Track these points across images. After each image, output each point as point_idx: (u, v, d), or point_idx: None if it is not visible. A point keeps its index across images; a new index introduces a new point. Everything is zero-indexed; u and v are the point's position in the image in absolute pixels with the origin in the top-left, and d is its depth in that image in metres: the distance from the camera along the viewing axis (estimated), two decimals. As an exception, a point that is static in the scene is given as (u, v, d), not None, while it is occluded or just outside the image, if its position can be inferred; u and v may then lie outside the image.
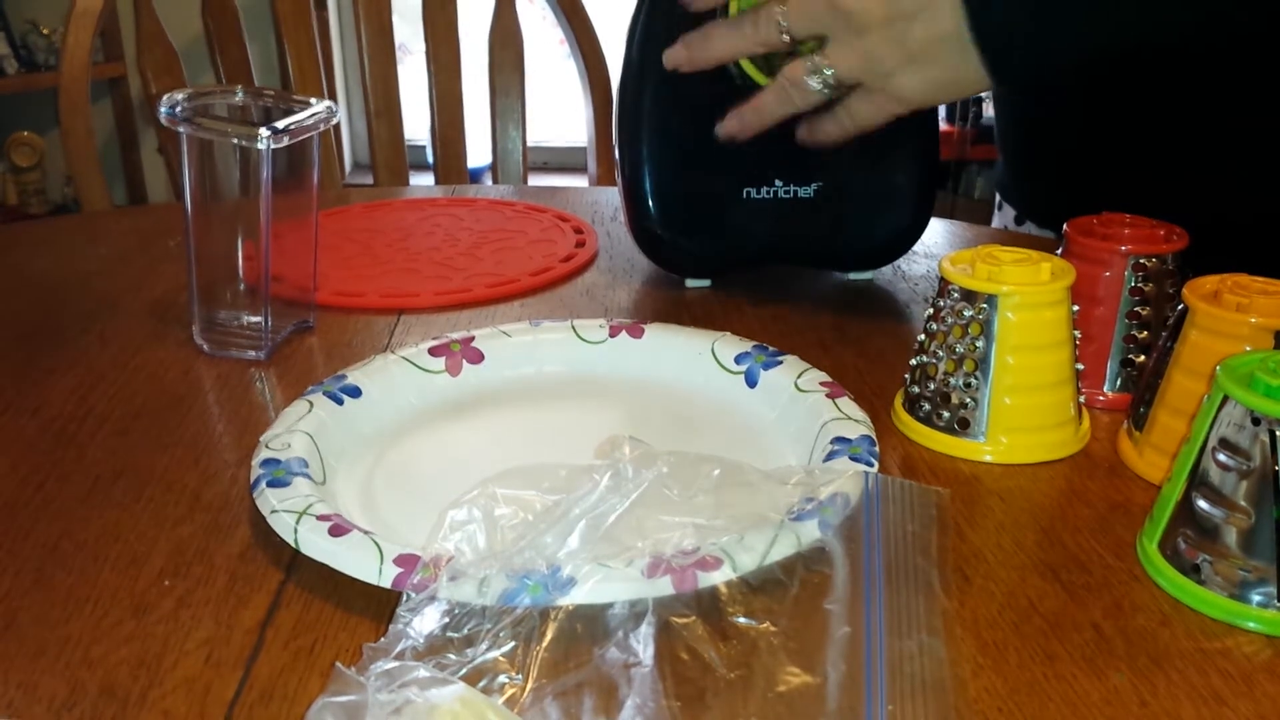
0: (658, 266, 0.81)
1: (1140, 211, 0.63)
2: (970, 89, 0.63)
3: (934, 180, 0.78)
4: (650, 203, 0.76)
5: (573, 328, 0.65)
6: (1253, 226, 0.77)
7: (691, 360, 0.63)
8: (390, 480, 0.53)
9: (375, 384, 0.59)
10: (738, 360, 0.62)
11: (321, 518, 0.45)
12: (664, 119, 0.75)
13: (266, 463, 0.50)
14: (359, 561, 0.43)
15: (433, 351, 0.62)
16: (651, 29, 0.74)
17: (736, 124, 0.68)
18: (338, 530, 0.44)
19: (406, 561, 0.42)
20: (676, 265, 0.80)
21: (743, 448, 0.55)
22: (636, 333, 0.65)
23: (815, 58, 0.63)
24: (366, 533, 0.44)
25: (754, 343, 0.63)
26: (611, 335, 0.65)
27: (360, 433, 0.56)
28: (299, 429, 0.53)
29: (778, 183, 0.75)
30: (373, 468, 0.54)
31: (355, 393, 0.57)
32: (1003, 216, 1.00)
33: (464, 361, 0.62)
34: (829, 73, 0.63)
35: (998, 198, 1.01)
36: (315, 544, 0.44)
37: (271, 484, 0.48)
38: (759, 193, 0.76)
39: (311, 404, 0.55)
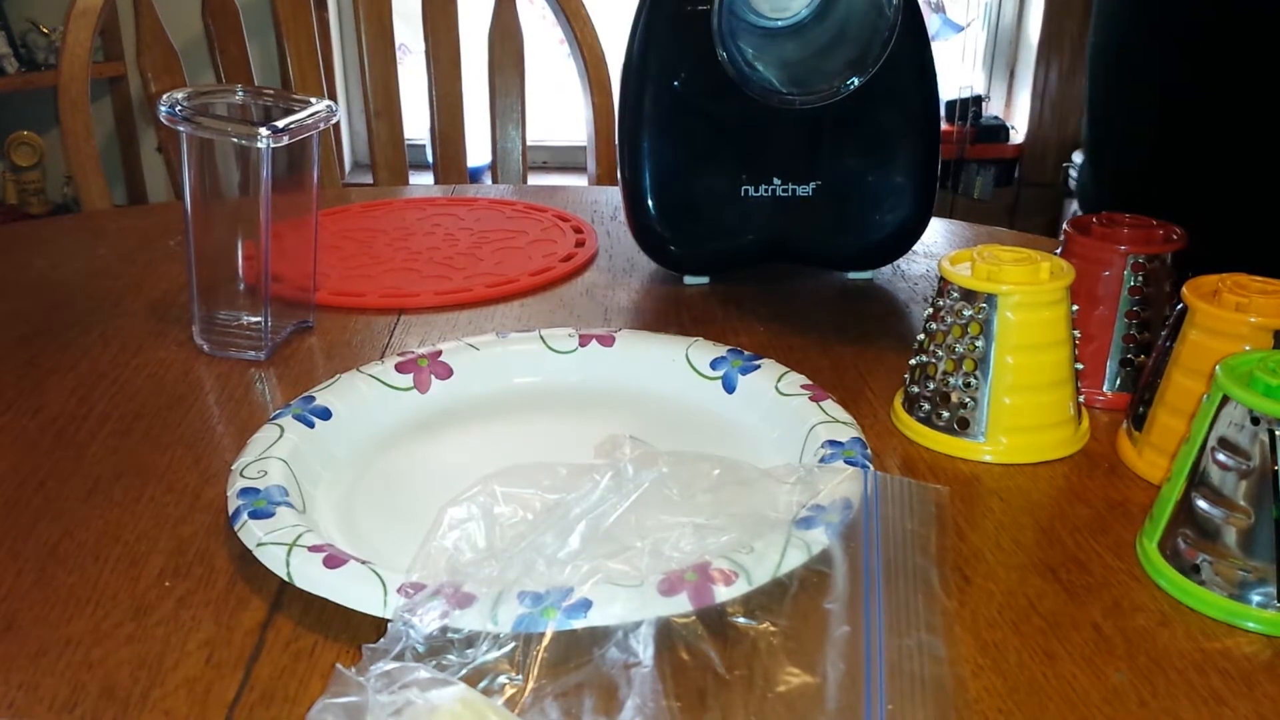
0: (657, 265, 0.81)
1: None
2: None
3: (934, 180, 0.78)
4: (650, 200, 0.76)
5: (541, 338, 0.63)
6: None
7: (665, 367, 0.62)
8: (370, 504, 0.51)
9: (345, 404, 0.57)
10: (713, 365, 0.61)
11: (314, 549, 0.43)
12: (664, 118, 0.75)
13: (245, 492, 0.48)
14: (360, 594, 0.41)
15: (399, 368, 0.60)
16: (652, 29, 0.74)
17: None
18: (333, 561, 0.43)
19: (410, 591, 0.41)
20: (676, 263, 0.80)
21: (725, 453, 0.53)
22: (607, 341, 0.63)
23: None
24: (364, 562, 0.43)
25: (728, 347, 0.62)
26: (581, 345, 0.63)
27: (333, 455, 0.54)
28: (273, 455, 0.51)
29: (777, 181, 0.75)
30: (350, 491, 0.52)
31: (325, 414, 0.56)
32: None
33: (432, 377, 0.61)
34: None
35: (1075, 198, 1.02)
36: (311, 576, 0.43)
37: (254, 515, 0.46)
38: (758, 191, 0.76)
39: (282, 429, 0.54)
